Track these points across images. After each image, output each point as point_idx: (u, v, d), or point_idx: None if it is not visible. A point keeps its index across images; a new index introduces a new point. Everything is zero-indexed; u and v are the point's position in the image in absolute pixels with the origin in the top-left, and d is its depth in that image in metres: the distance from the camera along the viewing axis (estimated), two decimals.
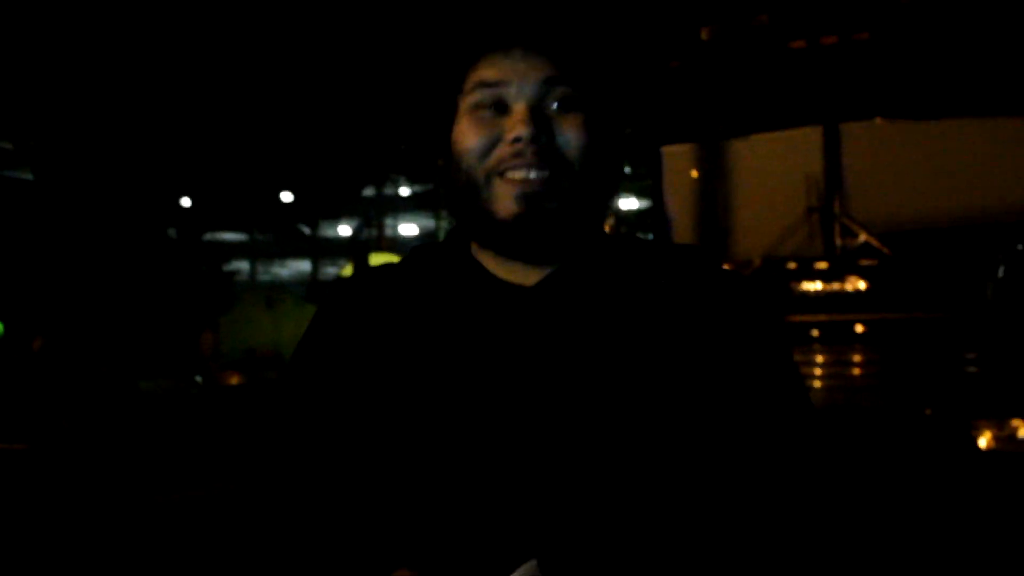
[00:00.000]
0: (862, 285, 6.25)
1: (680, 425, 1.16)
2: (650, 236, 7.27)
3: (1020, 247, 6.12)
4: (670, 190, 7.31)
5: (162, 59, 12.85)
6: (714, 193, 7.19)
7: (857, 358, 6.02)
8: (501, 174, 1.20)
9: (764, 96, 7.20)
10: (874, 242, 6.47)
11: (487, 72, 1.21)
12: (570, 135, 1.21)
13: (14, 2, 12.17)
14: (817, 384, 5.88)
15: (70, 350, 10.18)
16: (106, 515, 4.92)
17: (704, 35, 7.13)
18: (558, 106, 1.21)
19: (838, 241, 6.61)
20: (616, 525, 1.14)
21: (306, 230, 23.26)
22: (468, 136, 1.22)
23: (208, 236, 20.14)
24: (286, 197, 19.20)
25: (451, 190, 1.27)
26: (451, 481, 1.16)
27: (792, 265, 6.50)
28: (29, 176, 15.67)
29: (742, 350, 1.22)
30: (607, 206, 1.28)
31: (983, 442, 5.47)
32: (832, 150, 6.73)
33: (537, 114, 1.20)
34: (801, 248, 6.64)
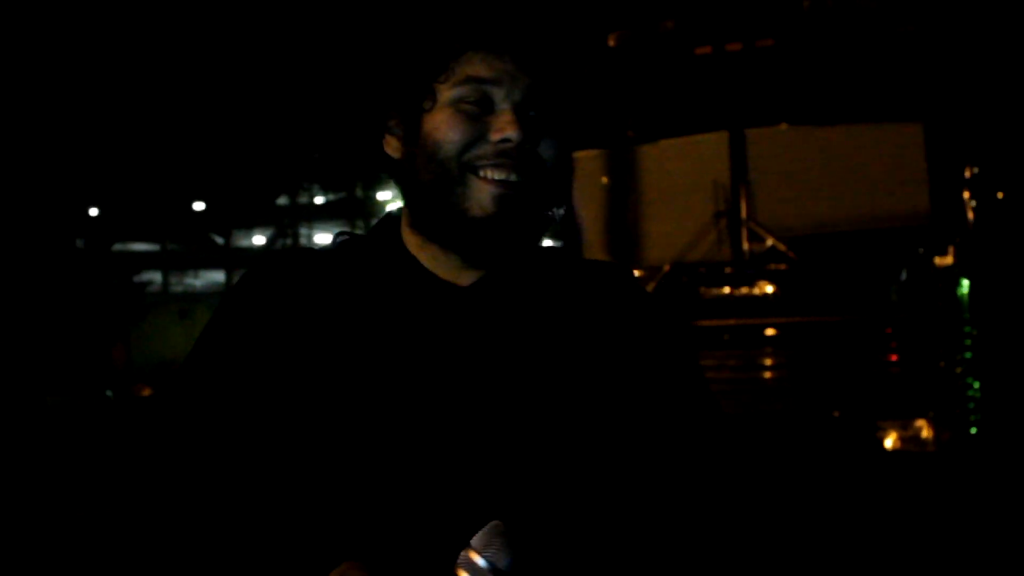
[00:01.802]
0: (770, 289, 6.32)
1: (595, 418, 1.22)
2: (560, 243, 7.27)
3: (922, 251, 6.23)
4: (580, 196, 7.32)
5: (69, 64, 12.59)
6: (624, 199, 7.22)
7: (766, 361, 6.08)
8: (477, 171, 1.20)
9: (671, 102, 7.25)
10: (781, 247, 6.55)
11: (478, 68, 1.21)
12: (549, 144, 1.23)
13: None
14: (727, 388, 5.92)
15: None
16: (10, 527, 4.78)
17: (611, 41, 7.16)
18: (539, 114, 1.22)
19: (745, 246, 6.68)
20: (559, 496, 1.18)
21: (219, 240, 22.97)
22: (449, 129, 1.22)
23: (118, 246, 19.76)
24: (198, 206, 18.93)
25: (412, 180, 1.25)
26: (379, 472, 1.17)
27: (701, 270, 6.56)
28: None
29: (653, 350, 1.28)
30: (556, 214, 1.31)
31: (888, 443, 5.56)
32: (738, 155, 6.80)
33: (524, 119, 1.20)
34: (709, 253, 6.70)
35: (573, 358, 1.25)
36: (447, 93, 1.22)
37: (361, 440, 1.18)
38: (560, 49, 1.26)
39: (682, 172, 6.97)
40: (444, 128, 1.21)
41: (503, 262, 1.26)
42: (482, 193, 1.20)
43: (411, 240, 1.29)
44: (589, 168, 7.31)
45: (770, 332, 6.11)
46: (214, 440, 1.22)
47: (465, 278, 1.27)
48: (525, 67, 1.21)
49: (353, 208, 19.55)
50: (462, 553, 1.04)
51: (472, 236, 1.21)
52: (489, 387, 1.21)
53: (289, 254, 1.34)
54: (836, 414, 5.70)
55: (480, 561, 1.03)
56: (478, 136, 1.20)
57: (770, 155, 6.82)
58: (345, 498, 1.17)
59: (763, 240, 6.67)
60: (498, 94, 1.21)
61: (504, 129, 1.19)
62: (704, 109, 7.07)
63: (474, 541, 1.04)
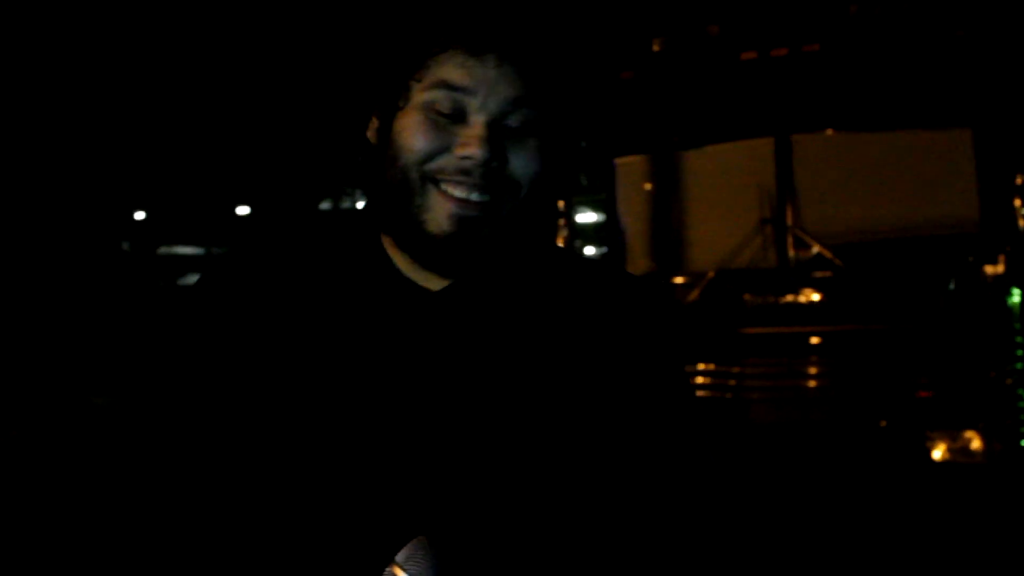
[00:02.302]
0: (815, 297, 6.24)
1: (557, 427, 1.15)
2: (604, 249, 7.24)
3: (971, 259, 6.13)
4: (624, 203, 7.28)
5: (116, 68, 12.71)
6: (668, 205, 7.16)
7: (811, 370, 6.00)
8: (438, 183, 1.14)
9: (716, 107, 7.18)
10: (827, 254, 6.46)
11: (454, 73, 1.12)
12: (524, 161, 1.15)
13: None
14: (771, 396, 5.86)
15: (19, 363, 10.03)
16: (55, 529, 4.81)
17: (656, 46, 7.10)
18: (517, 127, 1.14)
19: (791, 253, 6.60)
20: (499, 510, 1.12)
21: None
22: (414, 134, 1.14)
23: (163, 249, 19.92)
24: (242, 210, 19.05)
25: (379, 176, 1.19)
26: (325, 476, 1.12)
27: (746, 277, 6.49)
28: None
29: (632, 357, 1.22)
30: (538, 221, 1.24)
31: (937, 454, 5.47)
32: (784, 161, 6.72)
33: (495, 133, 1.13)
34: (754, 260, 6.62)
35: (544, 366, 1.18)
36: (419, 95, 1.14)
37: (312, 443, 1.13)
38: (552, 58, 1.16)
39: (727, 178, 6.91)
40: (408, 133, 1.14)
41: (472, 271, 1.20)
42: (440, 209, 1.13)
43: (387, 239, 1.24)
44: (633, 174, 7.26)
45: (815, 340, 6.03)
46: (172, 446, 1.19)
47: (436, 282, 1.21)
48: (507, 75, 1.13)
49: None
50: (386, 570, 1.00)
51: (428, 252, 1.16)
52: (447, 394, 1.15)
53: (262, 245, 1.28)
54: (883, 424, 5.61)
55: None
56: (443, 147, 1.13)
57: (816, 161, 6.74)
58: (297, 503, 1.12)
59: (809, 247, 6.59)
60: (472, 104, 1.12)
61: (468, 145, 1.12)
62: (749, 114, 6.99)
63: (398, 557, 1.00)
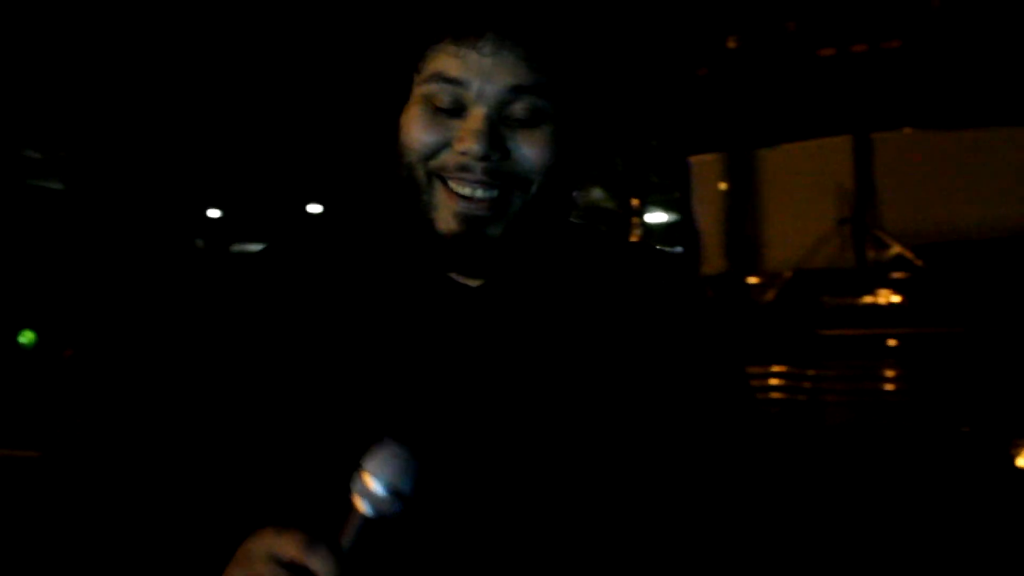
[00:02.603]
0: (895, 298, 6.14)
1: (609, 422, 1.10)
2: (678, 249, 7.18)
3: None
4: (698, 202, 7.21)
5: (190, 71, 12.89)
6: (743, 204, 7.09)
7: (890, 373, 5.90)
8: (444, 180, 1.09)
9: (793, 105, 7.09)
10: (907, 254, 6.35)
11: (448, 64, 1.06)
12: (530, 152, 1.08)
13: (44, 13, 12.24)
14: (848, 400, 5.77)
15: (100, 359, 10.19)
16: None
17: (731, 43, 7.03)
18: (523, 117, 1.07)
19: (870, 253, 6.49)
20: (537, 510, 1.08)
21: None
22: (415, 130, 1.09)
23: (236, 247, 20.15)
24: (313, 208, 19.22)
25: (391, 176, 1.14)
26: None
27: (823, 278, 6.40)
28: (59, 186, 15.75)
29: (689, 355, 1.16)
30: (566, 209, 1.19)
31: (1022, 461, 5.34)
32: (863, 160, 6.61)
33: (495, 125, 1.06)
34: (832, 260, 6.53)
35: (587, 363, 1.12)
36: (419, 89, 1.09)
37: (352, 439, 1.09)
38: (559, 41, 1.08)
39: (804, 177, 6.82)
40: (409, 127, 1.09)
41: (516, 259, 1.13)
42: (446, 208, 1.08)
43: None
44: (708, 172, 7.20)
45: (893, 343, 5.92)
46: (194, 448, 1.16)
47: (475, 279, 1.15)
48: (505, 63, 1.05)
49: None
50: (354, 475, 0.91)
51: (441, 253, 1.10)
52: (488, 391, 1.10)
53: (290, 243, 1.24)
54: (965, 430, 5.49)
55: (375, 486, 0.90)
56: (443, 142, 1.07)
57: (896, 160, 6.62)
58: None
59: (887, 247, 6.48)
60: (467, 95, 1.06)
61: (464, 139, 1.05)
62: (827, 112, 6.89)
63: (366, 463, 0.91)
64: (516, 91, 1.06)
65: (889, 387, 5.89)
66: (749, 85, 7.20)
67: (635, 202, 7.27)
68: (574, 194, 1.18)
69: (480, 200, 1.07)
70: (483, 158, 1.05)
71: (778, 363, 5.86)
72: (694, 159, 7.39)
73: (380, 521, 0.91)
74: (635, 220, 7.36)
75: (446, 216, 1.08)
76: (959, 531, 4.45)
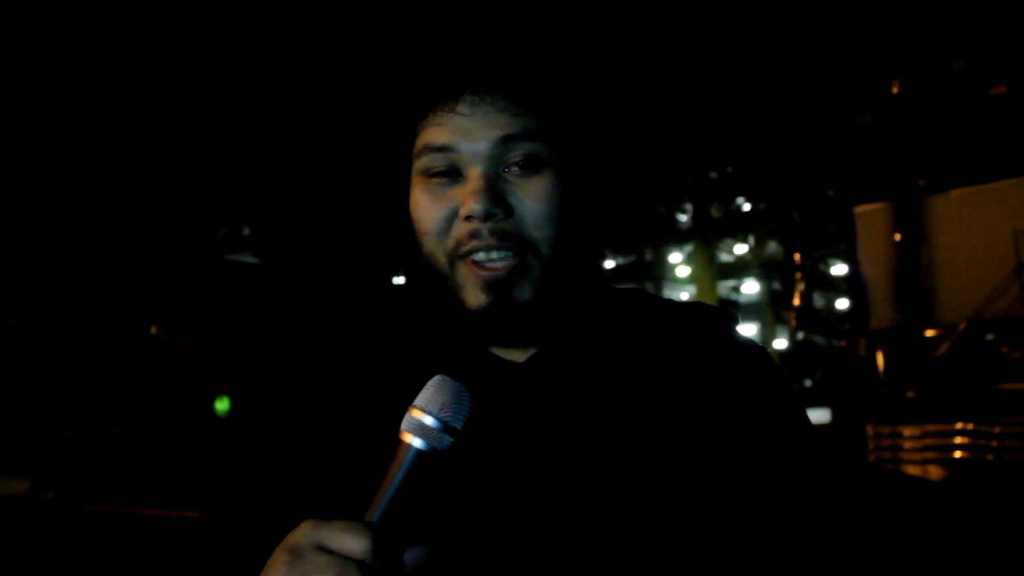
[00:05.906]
0: None
1: (671, 491, 1.02)
2: (847, 302, 6.95)
3: None
4: (865, 252, 6.98)
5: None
6: (913, 253, 6.82)
7: None
8: (463, 257, 1.04)
9: (963, 148, 6.81)
10: None
11: (434, 133, 1.03)
12: (533, 205, 1.01)
13: (235, 100, 12.98)
14: None
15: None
16: None
17: (895, 87, 6.80)
18: (519, 168, 1.01)
19: None
20: None
21: None
22: (422, 208, 1.04)
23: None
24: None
25: (416, 265, 1.13)
26: None
27: (1001, 328, 6.11)
28: (252, 259, 16.53)
29: (752, 422, 1.06)
30: (597, 263, 1.14)
31: None
32: None
33: (493, 182, 1.01)
34: (1011, 309, 6.20)
35: (644, 433, 1.05)
36: (416, 165, 1.06)
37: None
38: (547, 85, 1.05)
39: (978, 222, 6.52)
40: (417, 209, 1.06)
41: (558, 329, 1.08)
42: (470, 282, 1.03)
43: None
44: (874, 222, 6.97)
45: None
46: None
47: (520, 353, 1.10)
48: (491, 112, 1.03)
49: (642, 271, 19.58)
50: (406, 415, 0.88)
51: (477, 329, 1.05)
52: (546, 467, 1.03)
53: (339, 315, 1.23)
54: None
55: (428, 420, 0.88)
56: (453, 213, 1.02)
57: None
58: None
59: None
60: (461, 158, 1.03)
61: (466, 202, 1.00)
62: (1000, 153, 6.58)
63: (418, 400, 0.89)
64: (506, 141, 1.01)
65: None
66: (915, 130, 6.97)
67: (798, 257, 7.07)
68: (603, 251, 1.12)
69: (498, 265, 1.04)
70: (486, 217, 1.02)
71: (958, 420, 5.57)
72: (859, 209, 7.18)
73: (430, 455, 0.89)
74: (798, 275, 7.15)
75: (473, 290, 1.04)
76: None
